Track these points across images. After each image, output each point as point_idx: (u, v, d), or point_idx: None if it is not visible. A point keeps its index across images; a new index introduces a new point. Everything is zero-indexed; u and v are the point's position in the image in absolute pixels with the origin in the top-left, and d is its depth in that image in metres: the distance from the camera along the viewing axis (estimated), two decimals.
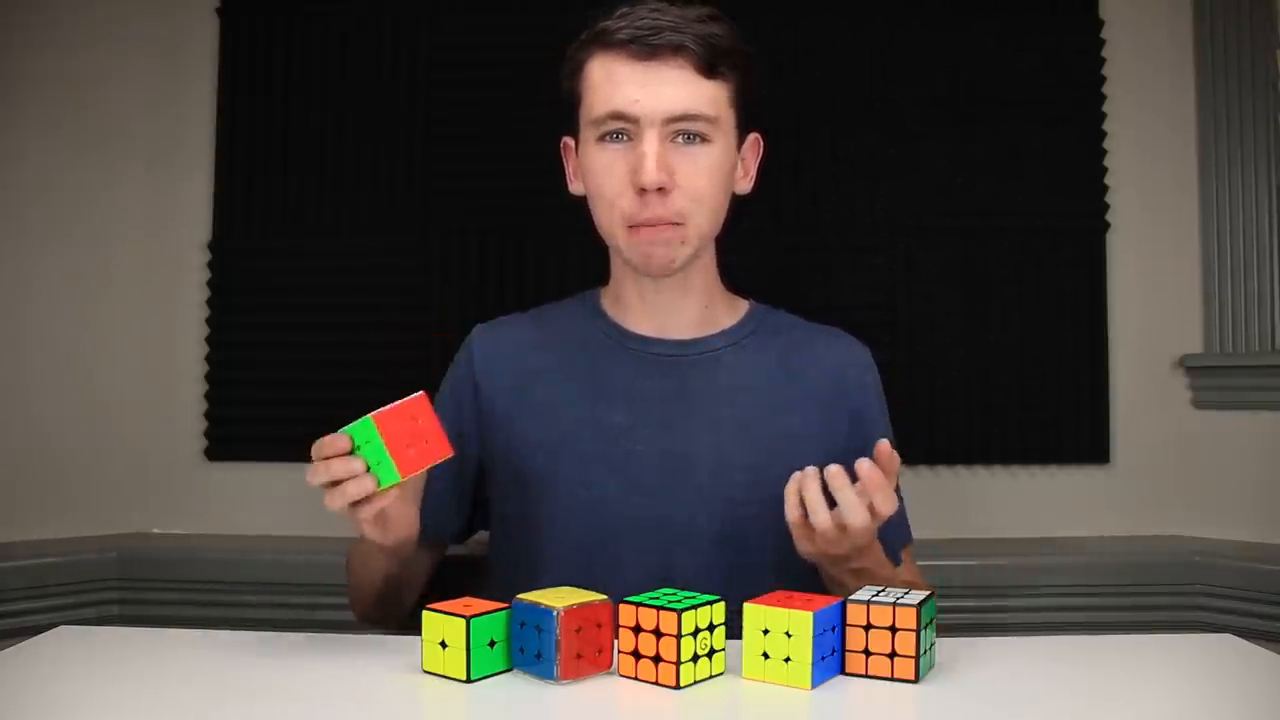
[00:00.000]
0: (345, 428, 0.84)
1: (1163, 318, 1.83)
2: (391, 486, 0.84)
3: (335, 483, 0.84)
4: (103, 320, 1.83)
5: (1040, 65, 1.82)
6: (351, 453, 0.83)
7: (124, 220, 1.85)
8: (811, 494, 0.88)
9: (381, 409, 0.83)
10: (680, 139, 1.01)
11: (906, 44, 1.83)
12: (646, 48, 0.99)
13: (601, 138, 1.02)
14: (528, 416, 1.10)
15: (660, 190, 1.00)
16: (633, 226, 1.02)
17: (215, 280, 1.86)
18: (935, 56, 1.83)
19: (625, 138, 1.01)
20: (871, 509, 0.88)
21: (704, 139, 1.02)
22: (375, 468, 0.83)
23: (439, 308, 1.81)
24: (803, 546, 0.92)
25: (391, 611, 1.13)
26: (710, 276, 1.14)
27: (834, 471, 0.87)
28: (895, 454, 0.88)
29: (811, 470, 0.88)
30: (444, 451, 0.84)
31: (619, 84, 1.00)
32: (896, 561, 1.11)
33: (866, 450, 1.11)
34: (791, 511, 0.90)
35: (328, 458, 0.83)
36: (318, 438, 0.84)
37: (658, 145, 0.99)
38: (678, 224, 1.02)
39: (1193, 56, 1.84)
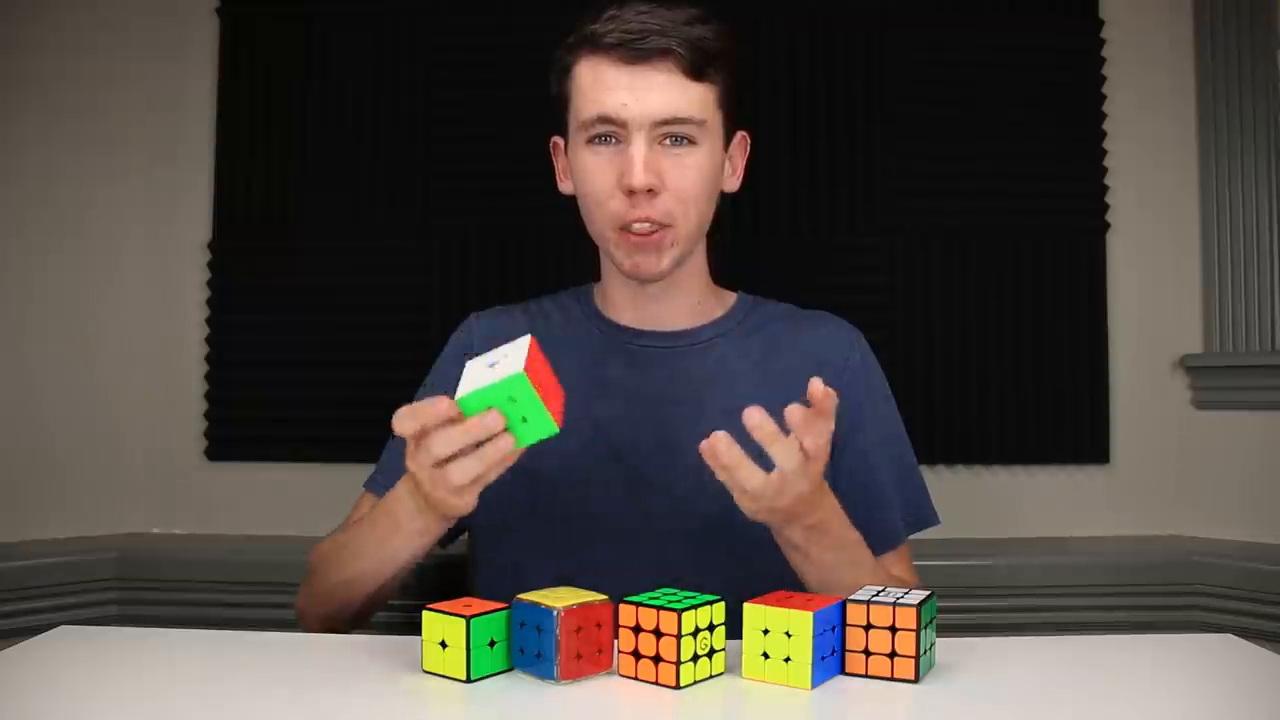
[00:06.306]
0: (475, 391, 0.77)
1: (1163, 318, 1.83)
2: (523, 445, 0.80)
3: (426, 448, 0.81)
4: (103, 320, 1.83)
5: (1040, 65, 1.82)
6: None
7: (124, 220, 1.85)
8: (727, 457, 0.83)
9: (520, 359, 0.77)
10: (668, 141, 1.02)
11: (906, 43, 1.83)
12: (634, 52, 1.00)
13: (590, 140, 1.03)
14: None
15: (649, 191, 1.00)
16: (624, 229, 1.03)
17: (215, 280, 1.85)
18: (935, 56, 1.83)
19: (614, 140, 1.02)
20: (805, 450, 0.83)
21: (691, 141, 1.03)
22: (521, 425, 0.79)
23: (439, 308, 1.81)
24: (744, 504, 0.87)
25: (362, 617, 1.08)
26: (699, 273, 1.15)
27: (755, 424, 0.82)
28: (829, 391, 0.82)
29: (719, 435, 0.83)
30: (562, 394, 0.82)
31: (607, 88, 1.01)
32: (887, 547, 1.11)
33: (857, 430, 1.12)
34: (721, 473, 0.85)
35: (427, 426, 0.81)
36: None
37: (645, 149, 1.00)
38: (666, 225, 1.03)
39: (1193, 57, 1.84)
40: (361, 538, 1.03)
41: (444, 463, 0.83)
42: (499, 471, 0.84)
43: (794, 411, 0.82)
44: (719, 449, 0.83)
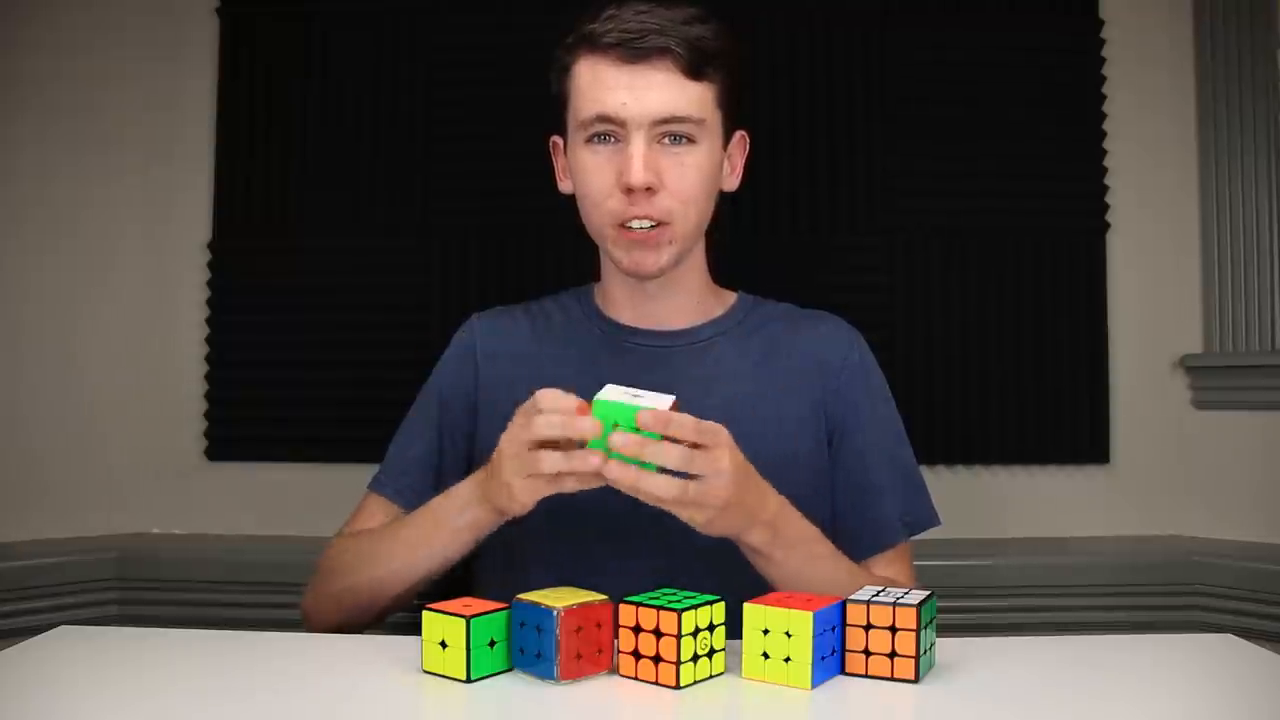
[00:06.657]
0: (613, 401, 0.83)
1: (1163, 318, 1.83)
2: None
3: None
4: (102, 320, 1.83)
5: (1040, 65, 1.82)
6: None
7: (124, 220, 1.85)
8: (627, 478, 0.84)
9: (665, 403, 0.84)
10: (667, 140, 1.02)
11: (906, 43, 1.83)
12: (633, 51, 1.00)
13: (589, 139, 1.03)
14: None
15: (648, 190, 1.00)
16: (623, 227, 1.03)
17: (215, 280, 1.86)
18: (935, 56, 1.83)
19: (613, 139, 1.02)
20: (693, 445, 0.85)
21: (690, 140, 1.03)
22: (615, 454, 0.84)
23: (439, 308, 1.81)
24: (691, 519, 0.88)
25: (380, 619, 1.07)
26: (699, 272, 1.15)
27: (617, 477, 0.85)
28: (671, 417, 0.84)
29: (605, 469, 0.85)
30: None
31: (606, 88, 1.01)
32: (882, 546, 1.11)
33: (855, 431, 1.12)
34: (644, 495, 0.86)
35: (564, 410, 0.85)
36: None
37: (644, 147, 1.00)
38: (665, 224, 1.03)
39: (1193, 57, 1.84)
40: (393, 538, 1.03)
41: (538, 446, 0.86)
42: (574, 485, 0.87)
43: (641, 417, 0.84)
44: (614, 475, 0.84)
